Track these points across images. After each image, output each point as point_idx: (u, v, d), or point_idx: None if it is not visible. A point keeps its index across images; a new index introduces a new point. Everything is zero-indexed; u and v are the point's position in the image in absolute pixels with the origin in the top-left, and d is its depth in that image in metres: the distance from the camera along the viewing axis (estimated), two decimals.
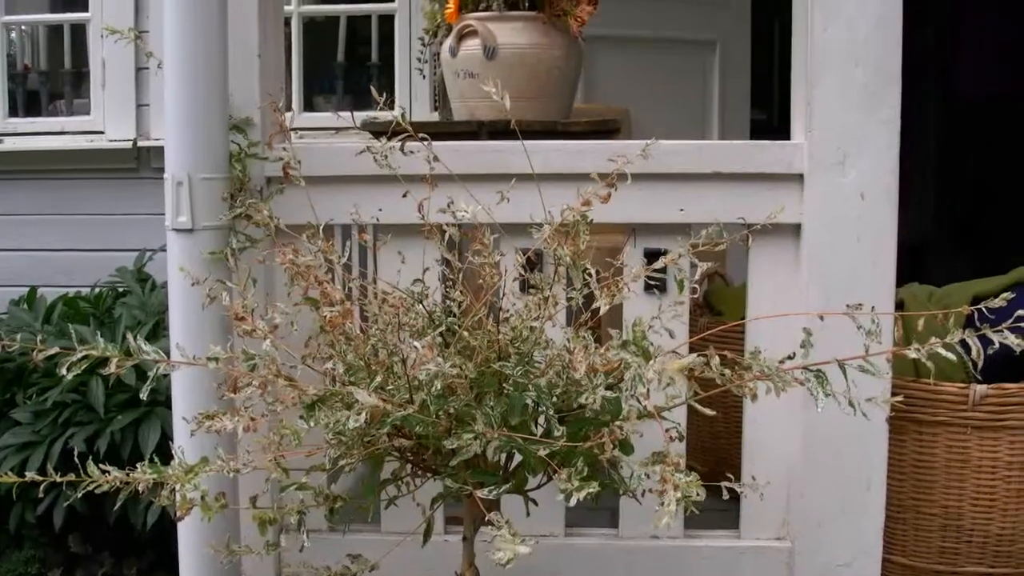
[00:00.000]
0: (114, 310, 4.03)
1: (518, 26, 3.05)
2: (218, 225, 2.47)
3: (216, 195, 2.46)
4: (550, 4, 3.04)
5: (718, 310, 3.48)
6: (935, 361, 1.94)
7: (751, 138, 5.36)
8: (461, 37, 3.08)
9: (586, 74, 3.90)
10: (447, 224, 2.22)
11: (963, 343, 1.92)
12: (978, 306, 2.00)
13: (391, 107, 3.54)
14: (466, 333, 2.06)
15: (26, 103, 5.58)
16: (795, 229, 2.57)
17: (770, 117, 7.01)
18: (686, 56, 5.32)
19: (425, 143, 2.21)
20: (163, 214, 2.49)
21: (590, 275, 2.12)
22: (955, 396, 2.74)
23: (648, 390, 1.77)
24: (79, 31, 5.45)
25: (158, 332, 3.74)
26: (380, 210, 2.58)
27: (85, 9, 5.18)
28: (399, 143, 2.20)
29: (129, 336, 2.07)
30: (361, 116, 3.25)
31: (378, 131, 2.82)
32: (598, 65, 4.84)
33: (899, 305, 2.89)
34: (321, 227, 2.27)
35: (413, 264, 2.44)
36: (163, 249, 2.55)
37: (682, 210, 2.58)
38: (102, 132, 5.11)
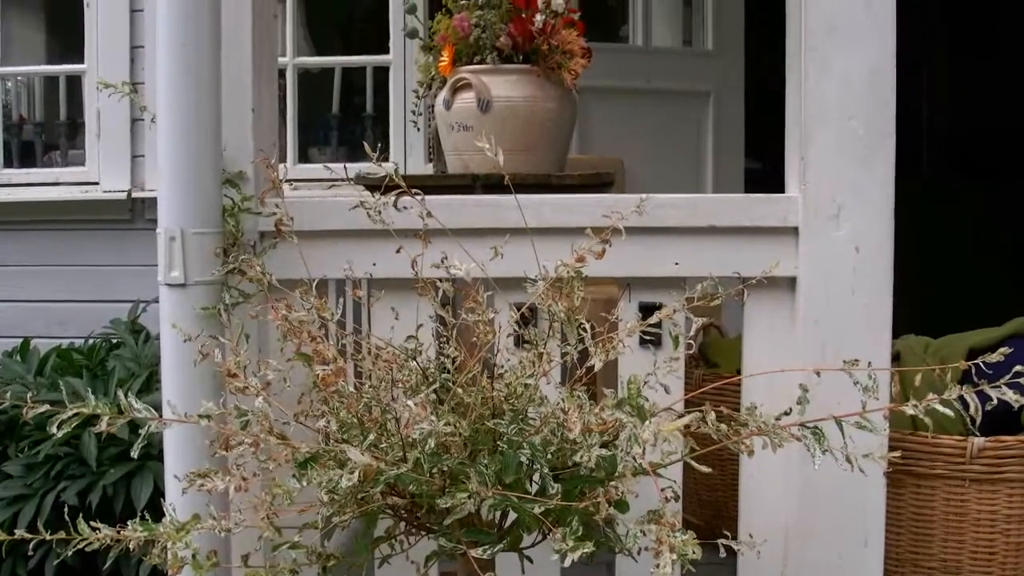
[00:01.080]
0: (107, 362, 4.02)
1: (512, 79, 3.05)
2: (211, 280, 2.46)
3: (209, 250, 2.45)
4: (544, 57, 3.04)
5: (713, 362, 3.47)
6: (933, 414, 1.94)
7: (746, 187, 5.39)
8: (455, 90, 3.08)
9: (580, 125, 3.92)
10: (441, 279, 2.21)
11: (961, 398, 1.92)
12: (975, 361, 1.99)
13: (386, 158, 3.51)
14: (460, 390, 2.04)
15: (21, 154, 5.60)
16: (790, 282, 2.56)
17: (764, 166, 7.03)
18: (680, 107, 5.34)
19: (419, 199, 2.21)
20: (157, 265, 2.48)
21: (584, 330, 2.11)
22: (953, 449, 2.73)
23: (644, 449, 1.76)
24: (75, 82, 5.47)
25: (151, 384, 3.73)
26: (374, 264, 2.57)
27: (81, 61, 5.19)
28: (392, 199, 2.19)
29: (120, 394, 2.06)
30: (355, 168, 3.24)
31: (372, 185, 2.82)
32: (592, 116, 4.86)
33: (895, 357, 2.88)
34: (314, 284, 2.26)
35: (407, 320, 2.43)
36: (157, 300, 2.53)
37: (677, 264, 2.57)
38: (97, 183, 5.11)
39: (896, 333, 2.56)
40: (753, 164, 5.97)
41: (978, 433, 2.70)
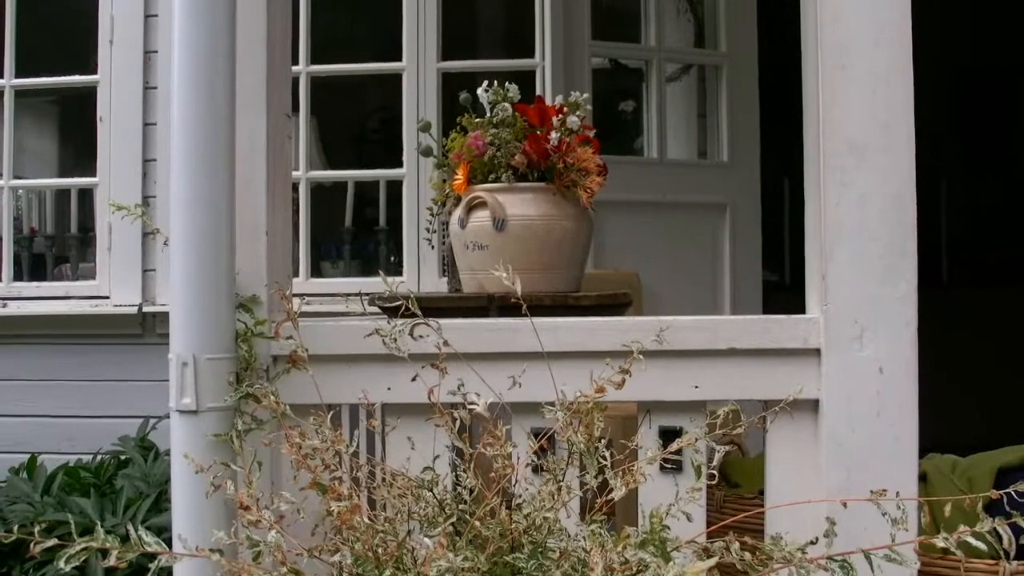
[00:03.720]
0: (116, 480, 3.97)
1: (528, 197, 3.02)
2: (223, 406, 2.41)
3: (222, 376, 2.41)
4: (560, 176, 3.02)
5: (734, 482, 3.40)
6: (964, 546, 1.90)
7: (763, 298, 5.36)
8: (470, 208, 3.06)
9: (596, 238, 3.89)
10: (457, 406, 2.17)
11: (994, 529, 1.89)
12: (1007, 490, 1.96)
13: (399, 272, 3.45)
14: (478, 523, 1.99)
15: (31, 267, 5.59)
16: (813, 404, 2.51)
17: (782, 277, 7.02)
18: (696, 219, 5.33)
19: (435, 327, 2.18)
20: (168, 380, 2.44)
21: (604, 458, 2.07)
22: (984, 574, 2.66)
23: None
24: (86, 195, 5.49)
25: (161, 503, 3.67)
26: (389, 389, 2.53)
27: (93, 174, 5.20)
28: (408, 327, 2.17)
29: (130, 526, 2.02)
30: (369, 284, 3.22)
31: (387, 307, 2.79)
32: (607, 229, 4.84)
33: (922, 477, 2.82)
34: (329, 416, 2.22)
35: (423, 449, 2.38)
36: (167, 416, 2.49)
37: (697, 387, 2.52)
38: (107, 297, 5.09)
39: (922, 448, 2.52)
40: (770, 276, 5.96)
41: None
